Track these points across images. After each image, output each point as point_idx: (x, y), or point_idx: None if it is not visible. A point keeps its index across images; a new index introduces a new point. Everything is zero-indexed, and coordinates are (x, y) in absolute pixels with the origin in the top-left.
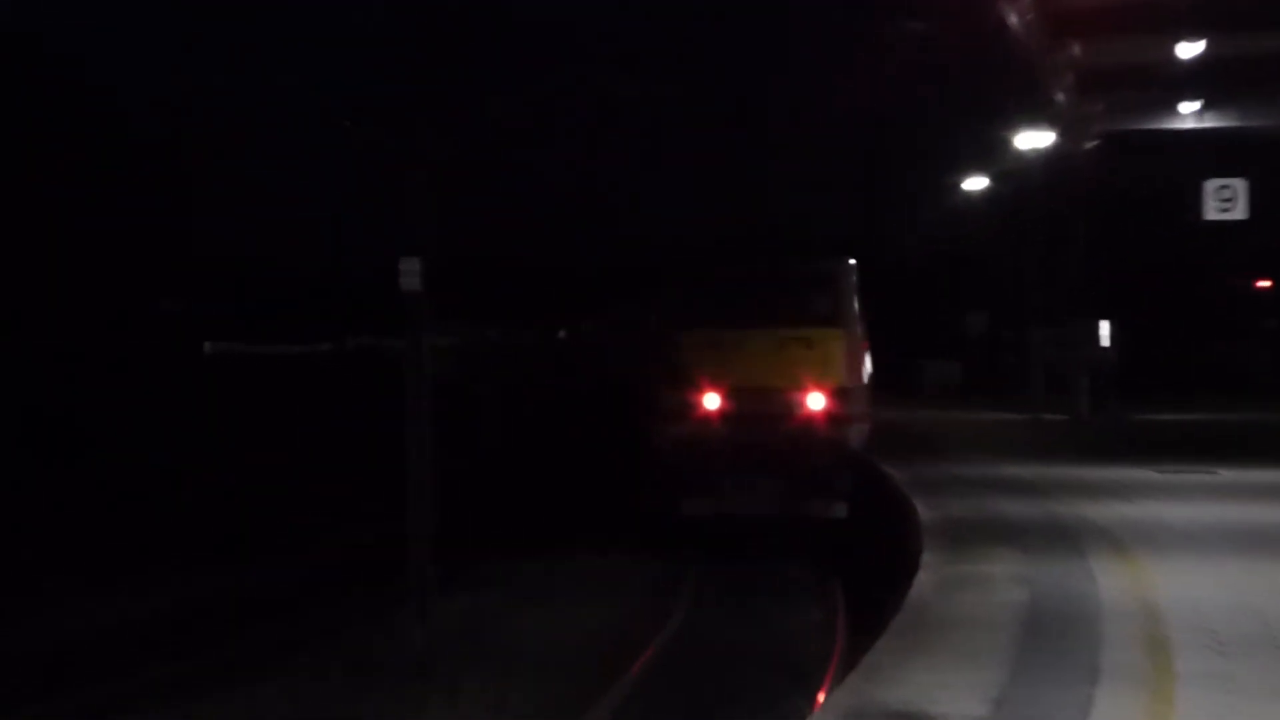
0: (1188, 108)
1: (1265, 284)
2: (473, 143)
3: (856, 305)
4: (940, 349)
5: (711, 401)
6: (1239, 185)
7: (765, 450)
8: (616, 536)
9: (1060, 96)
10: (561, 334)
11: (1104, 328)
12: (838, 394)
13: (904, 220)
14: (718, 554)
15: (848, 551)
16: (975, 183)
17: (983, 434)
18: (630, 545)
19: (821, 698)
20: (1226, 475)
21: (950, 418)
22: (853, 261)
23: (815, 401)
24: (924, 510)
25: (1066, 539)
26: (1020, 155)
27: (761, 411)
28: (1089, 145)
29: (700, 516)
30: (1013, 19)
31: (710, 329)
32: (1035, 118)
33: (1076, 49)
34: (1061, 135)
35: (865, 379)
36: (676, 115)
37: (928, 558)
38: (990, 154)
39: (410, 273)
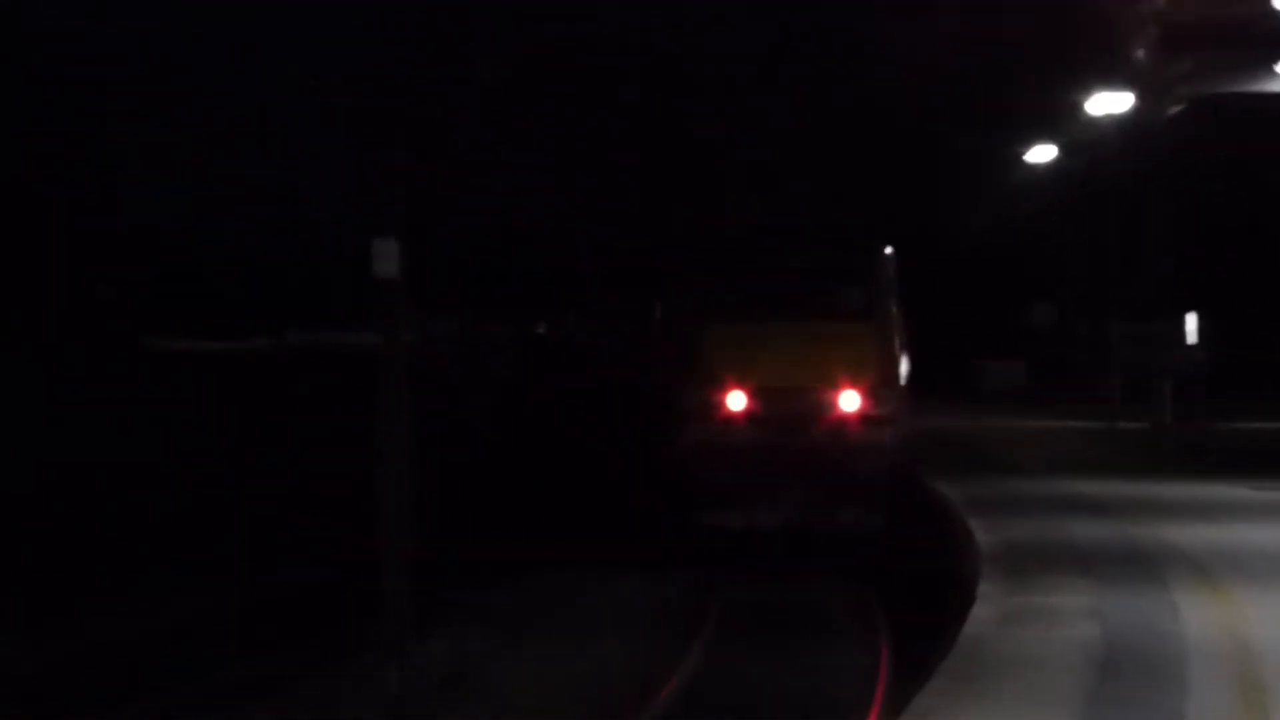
0: None
1: None
2: (459, 107)
3: (894, 297)
4: (1002, 347)
5: (736, 402)
6: None
7: (794, 454)
8: (625, 552)
9: (1140, 54)
10: (541, 329)
11: (1190, 322)
12: (873, 393)
13: (959, 199)
14: (741, 573)
15: (890, 575)
16: (1041, 154)
17: (1050, 445)
18: (641, 563)
19: None
20: None
21: (1012, 426)
22: (889, 250)
23: (849, 402)
24: (981, 533)
25: (1146, 567)
26: (1094, 122)
27: (790, 412)
28: (1174, 111)
29: (722, 528)
30: None
31: (735, 323)
32: (1111, 78)
33: None
34: (1142, 99)
35: (903, 378)
36: (692, 76)
37: (985, 587)
38: (1059, 121)
39: (385, 256)
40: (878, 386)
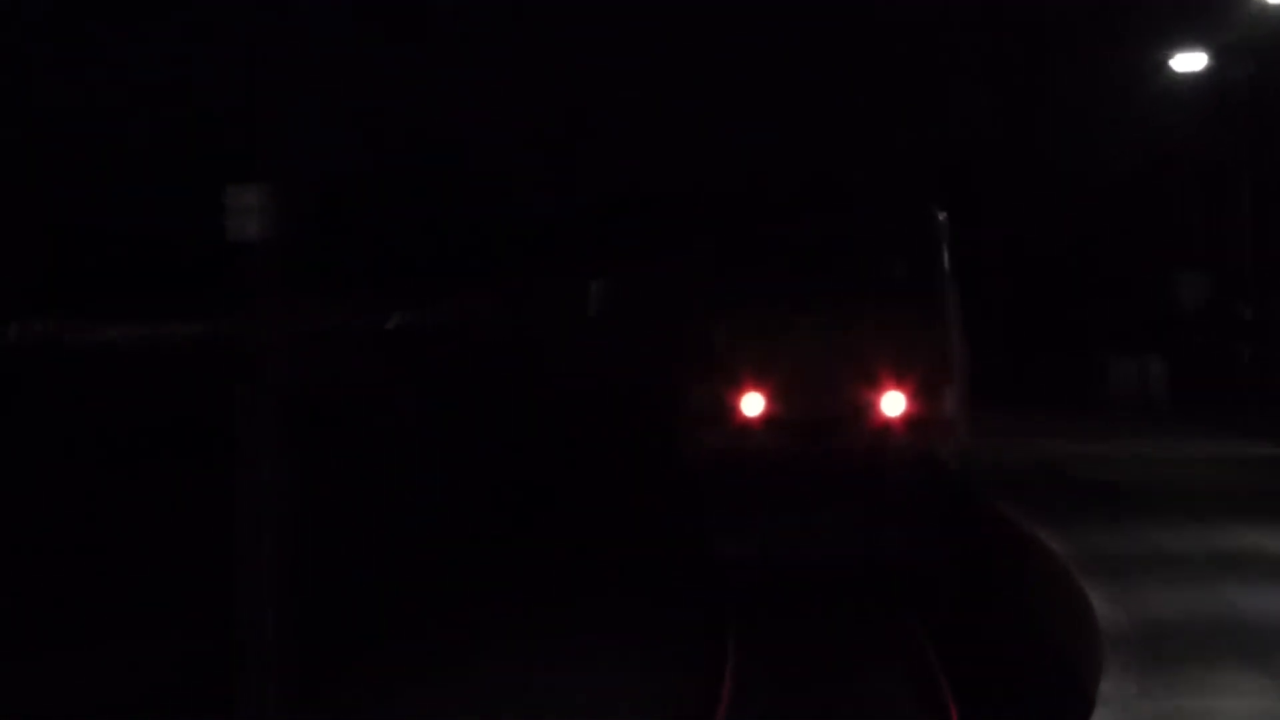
0: None
1: None
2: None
3: (949, 272)
4: (1133, 338)
5: (754, 403)
6: None
7: (825, 468)
8: (603, 604)
9: None
10: (393, 323)
11: None
12: (923, 392)
13: (1071, 127)
14: (761, 632)
15: (973, 661)
16: (1190, 62)
17: (1201, 475)
18: (624, 621)
19: None
20: None
21: (1148, 450)
22: (943, 215)
23: (892, 403)
24: (1103, 604)
25: None
26: (1263, 14)
27: (820, 416)
28: None
29: (737, 560)
30: None
31: (752, 306)
32: None
33: None
34: None
35: (960, 373)
36: None
37: (1110, 685)
38: (1215, 16)
39: (244, 210)
40: (929, 384)
